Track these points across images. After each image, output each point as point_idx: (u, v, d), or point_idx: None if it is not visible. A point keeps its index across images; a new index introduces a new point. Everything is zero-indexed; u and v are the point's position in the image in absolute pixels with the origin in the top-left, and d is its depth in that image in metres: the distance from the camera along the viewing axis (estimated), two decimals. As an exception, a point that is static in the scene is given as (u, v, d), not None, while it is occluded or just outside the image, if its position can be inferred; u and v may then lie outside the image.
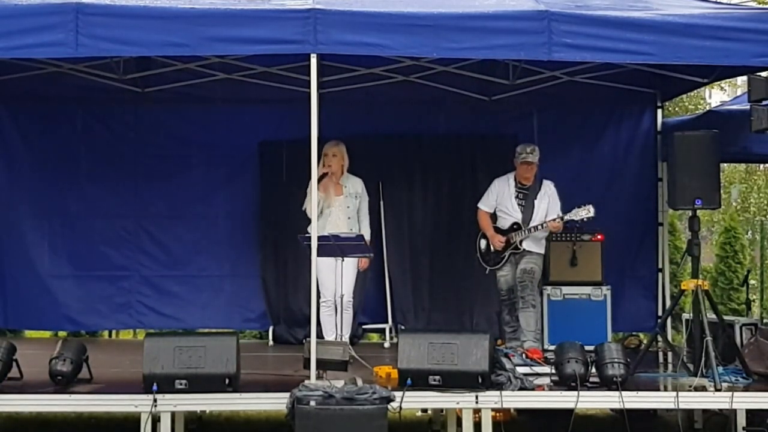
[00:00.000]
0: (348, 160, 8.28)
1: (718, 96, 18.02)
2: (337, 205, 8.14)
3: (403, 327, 9.44)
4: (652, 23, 6.63)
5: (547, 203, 8.30)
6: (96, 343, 9.68)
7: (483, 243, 8.49)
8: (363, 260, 8.13)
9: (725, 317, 8.11)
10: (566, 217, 8.12)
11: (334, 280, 7.76)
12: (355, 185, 8.29)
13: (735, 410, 6.92)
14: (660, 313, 9.56)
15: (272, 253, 9.81)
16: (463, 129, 9.85)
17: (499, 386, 6.48)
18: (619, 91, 9.54)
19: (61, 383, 6.55)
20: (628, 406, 6.54)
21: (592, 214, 8.01)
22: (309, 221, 6.63)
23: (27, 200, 9.64)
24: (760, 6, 13.32)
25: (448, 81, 9.40)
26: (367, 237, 8.07)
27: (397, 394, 6.26)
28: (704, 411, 7.62)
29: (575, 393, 6.50)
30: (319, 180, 7.98)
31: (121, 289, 9.77)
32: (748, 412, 7.00)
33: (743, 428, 7.01)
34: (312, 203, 6.63)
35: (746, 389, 6.83)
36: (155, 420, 6.34)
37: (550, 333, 8.70)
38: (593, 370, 6.75)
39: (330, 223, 8.01)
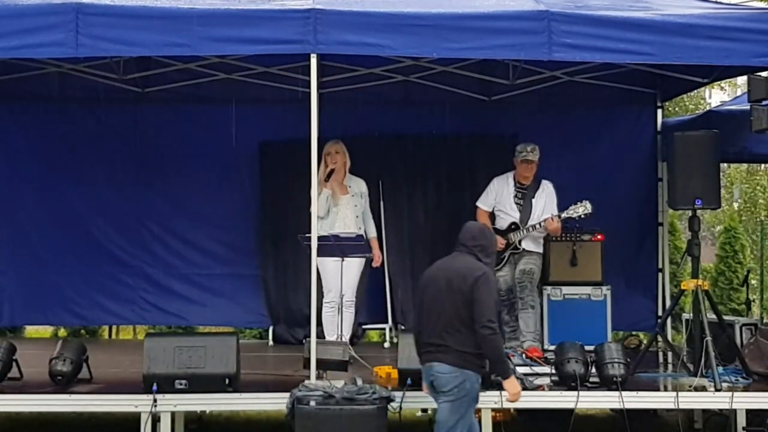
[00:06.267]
0: (349, 161, 8.30)
1: (718, 96, 18.00)
2: (344, 204, 8.12)
3: (403, 327, 9.45)
4: (652, 23, 6.63)
5: (544, 202, 8.28)
6: (96, 343, 9.69)
7: (483, 243, 8.48)
8: (376, 257, 8.27)
9: (725, 317, 8.10)
10: (563, 215, 8.11)
11: (338, 281, 7.76)
12: (360, 186, 8.29)
13: (735, 410, 6.92)
14: (660, 313, 9.55)
15: (272, 253, 9.80)
16: (463, 129, 9.83)
17: (499, 386, 6.48)
18: (619, 91, 9.54)
19: (61, 383, 6.55)
20: (628, 406, 6.53)
21: (589, 210, 7.99)
22: (310, 221, 6.62)
23: (30, 198, 9.64)
24: (760, 6, 13.31)
25: (448, 81, 9.41)
26: (374, 235, 8.32)
27: (397, 394, 6.27)
28: (704, 411, 7.62)
29: (575, 393, 6.51)
30: (327, 178, 8.00)
31: (124, 285, 9.78)
32: (748, 412, 7.00)
33: (743, 428, 7.01)
34: (312, 203, 6.61)
35: (746, 389, 6.83)
36: (155, 420, 6.34)
37: (550, 333, 8.68)
38: (593, 370, 6.75)
39: (339, 221, 8.02)
